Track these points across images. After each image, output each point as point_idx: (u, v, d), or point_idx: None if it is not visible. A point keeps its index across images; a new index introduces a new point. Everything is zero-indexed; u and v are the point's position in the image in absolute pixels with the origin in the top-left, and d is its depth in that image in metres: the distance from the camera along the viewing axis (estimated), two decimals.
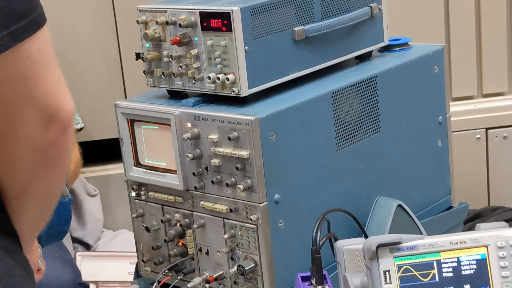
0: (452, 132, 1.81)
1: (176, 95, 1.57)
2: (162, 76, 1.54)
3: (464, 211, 1.81)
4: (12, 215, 1.10)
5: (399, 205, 1.59)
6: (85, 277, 2.34)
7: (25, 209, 1.11)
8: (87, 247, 2.61)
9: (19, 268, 1.08)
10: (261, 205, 1.44)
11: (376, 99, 1.62)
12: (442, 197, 1.81)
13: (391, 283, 0.99)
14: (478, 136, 2.71)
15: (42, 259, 1.27)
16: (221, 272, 1.53)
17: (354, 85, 1.58)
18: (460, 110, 2.68)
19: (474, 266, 1.00)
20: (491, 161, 2.72)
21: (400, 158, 1.69)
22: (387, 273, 0.99)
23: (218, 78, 1.46)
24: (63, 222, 1.35)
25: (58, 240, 1.39)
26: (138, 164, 1.59)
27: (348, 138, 1.58)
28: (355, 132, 1.59)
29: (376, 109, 1.63)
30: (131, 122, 1.57)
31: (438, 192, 1.79)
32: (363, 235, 1.48)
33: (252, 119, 1.41)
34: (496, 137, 2.71)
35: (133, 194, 1.62)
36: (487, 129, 2.71)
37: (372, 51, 1.72)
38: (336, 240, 1.32)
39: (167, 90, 1.58)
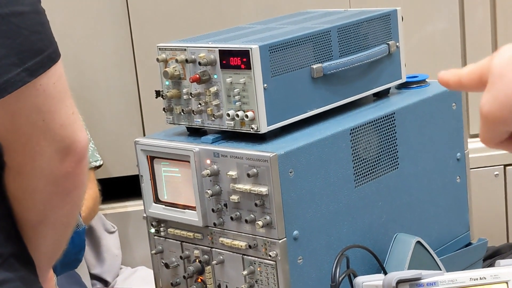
0: (470, 168, 1.81)
1: (195, 132, 1.59)
2: (182, 113, 1.56)
3: (483, 248, 1.81)
4: (29, 245, 1.12)
5: (418, 242, 1.59)
6: None
7: (42, 239, 1.13)
8: (105, 284, 2.61)
9: None
10: (280, 241, 1.45)
11: (394, 136, 1.63)
12: (461, 234, 1.80)
13: None
14: (496, 173, 2.71)
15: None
16: None
17: (372, 122, 1.59)
18: (477, 147, 2.68)
19: None
20: (509, 197, 2.71)
21: (419, 194, 1.70)
22: None
23: (237, 115, 1.48)
24: (77, 250, 1.37)
25: (72, 268, 1.41)
26: (157, 200, 1.61)
27: (366, 175, 1.58)
28: (373, 168, 1.60)
29: (394, 146, 1.64)
30: (151, 159, 1.59)
31: (457, 228, 1.79)
32: (382, 272, 1.48)
33: (271, 155, 1.42)
34: None
35: (153, 230, 1.63)
36: (505, 165, 2.71)
37: (389, 88, 1.73)
38: (355, 276, 1.32)
39: (187, 127, 1.60)
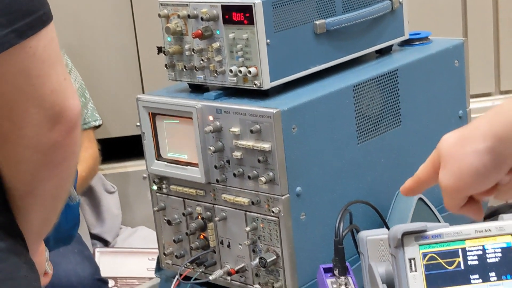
0: None
1: (197, 89, 1.59)
2: (184, 69, 1.55)
3: (483, 205, 1.81)
4: (17, 217, 1.08)
5: (420, 198, 1.60)
6: (103, 273, 2.35)
7: (30, 211, 1.08)
8: (106, 243, 2.63)
9: (24, 269, 1.06)
10: (283, 197, 1.45)
11: (397, 93, 1.63)
12: None
13: (416, 271, 1.00)
14: None
15: (49, 263, 1.25)
16: (243, 264, 1.53)
17: (375, 78, 1.58)
18: (477, 107, 2.68)
19: (499, 254, 1.00)
20: None
21: (421, 151, 1.69)
22: (412, 261, 1.00)
23: (240, 71, 1.47)
24: (71, 226, 1.33)
25: (66, 244, 1.38)
26: (159, 157, 1.60)
27: (369, 132, 1.58)
28: (376, 125, 1.60)
29: (397, 103, 1.63)
30: (153, 116, 1.59)
31: None
32: (385, 227, 1.49)
33: (274, 111, 1.42)
34: None
35: (155, 187, 1.63)
36: None
37: (392, 45, 1.72)
38: (358, 231, 1.33)
39: (189, 84, 1.60)
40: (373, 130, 1.59)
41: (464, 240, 1.01)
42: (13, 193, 1.06)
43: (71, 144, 1.03)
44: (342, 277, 1.29)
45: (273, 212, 1.46)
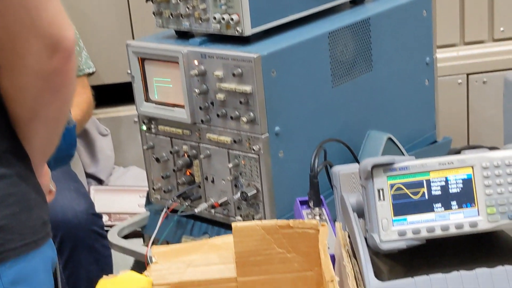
0: None
1: (183, 35, 1.56)
2: (170, 17, 1.53)
3: (447, 145, 1.82)
4: (23, 142, 1.10)
5: (389, 138, 1.60)
6: (98, 209, 2.34)
7: (34, 134, 1.10)
8: (100, 182, 2.62)
9: (33, 192, 1.08)
10: (263, 136, 1.44)
11: (369, 40, 1.61)
12: (428, 132, 1.81)
13: (384, 200, 1.00)
14: (459, 81, 2.70)
15: (52, 182, 1.27)
16: (226, 198, 1.53)
17: (348, 26, 1.57)
18: (443, 57, 2.67)
19: (461, 185, 1.00)
20: (471, 104, 2.72)
21: (391, 95, 1.69)
22: (380, 191, 1.00)
23: (223, 19, 1.45)
24: (69, 146, 1.35)
25: (65, 164, 1.39)
26: (148, 99, 1.59)
27: (343, 76, 1.57)
28: (350, 70, 1.59)
29: (369, 49, 1.62)
30: (142, 61, 1.56)
31: (424, 127, 1.80)
32: (357, 163, 1.49)
33: (255, 56, 1.40)
34: (476, 82, 2.71)
35: (144, 127, 1.62)
36: (468, 74, 2.70)
37: None
38: (331, 167, 1.33)
39: (175, 31, 1.57)
40: (347, 74, 1.58)
41: (429, 172, 1.01)
42: (18, 120, 1.08)
43: (69, 71, 1.05)
44: (317, 209, 1.29)
45: (253, 150, 1.45)
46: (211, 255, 1.14)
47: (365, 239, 1.03)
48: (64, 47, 1.02)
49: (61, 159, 1.38)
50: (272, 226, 1.10)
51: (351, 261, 1.06)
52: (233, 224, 1.10)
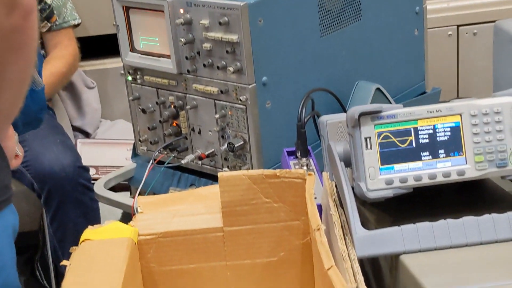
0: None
1: None
2: None
3: (436, 96, 1.81)
4: None
5: (378, 88, 1.58)
6: (85, 162, 2.33)
7: None
8: (87, 135, 2.60)
9: None
10: (250, 86, 1.43)
11: None
12: (417, 83, 1.80)
13: (371, 149, 0.99)
14: (450, 32, 2.68)
15: (19, 145, 1.24)
16: (213, 149, 1.52)
17: None
18: (433, 8, 2.65)
19: (449, 133, 0.99)
20: (461, 55, 2.70)
21: (380, 45, 1.67)
22: (368, 139, 0.99)
23: None
24: (37, 109, 1.31)
25: (35, 128, 1.36)
26: (133, 49, 1.57)
27: (331, 25, 1.55)
28: (338, 19, 1.56)
29: None
30: (126, 10, 1.54)
31: (413, 77, 1.79)
32: (345, 113, 1.48)
33: (242, 4, 1.38)
34: (466, 33, 2.69)
35: (130, 78, 1.60)
36: (458, 26, 2.68)
37: None
38: (319, 117, 1.32)
39: None
40: (335, 24, 1.56)
41: (416, 120, 1.00)
42: None
43: (30, 28, 1.01)
44: (304, 159, 1.28)
45: (240, 100, 1.44)
46: (197, 205, 1.13)
47: (352, 188, 1.02)
48: (22, 3, 0.98)
49: (30, 123, 1.35)
50: (259, 176, 1.09)
51: (338, 210, 1.05)
52: (219, 174, 1.09)
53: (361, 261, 1.23)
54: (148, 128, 1.59)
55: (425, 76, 1.81)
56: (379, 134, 0.99)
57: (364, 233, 0.98)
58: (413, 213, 1.03)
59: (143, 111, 1.59)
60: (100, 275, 0.95)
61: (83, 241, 1.03)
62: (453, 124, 1.00)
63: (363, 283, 0.88)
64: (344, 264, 0.92)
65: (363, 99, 1.56)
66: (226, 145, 1.48)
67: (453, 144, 1.00)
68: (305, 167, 1.28)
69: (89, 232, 1.05)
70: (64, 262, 0.97)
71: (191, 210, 1.12)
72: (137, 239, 1.07)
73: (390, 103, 1.60)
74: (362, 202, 1.08)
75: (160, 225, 1.10)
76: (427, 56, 1.80)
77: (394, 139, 1.00)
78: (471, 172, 1.00)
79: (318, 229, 0.95)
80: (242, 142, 1.47)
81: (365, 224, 1.10)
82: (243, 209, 1.10)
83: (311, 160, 1.30)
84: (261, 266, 1.11)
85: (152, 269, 1.09)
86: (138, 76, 1.58)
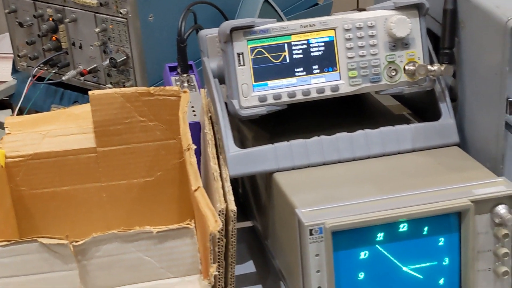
0: None
1: None
2: None
3: (328, 8, 1.79)
4: None
5: (266, 1, 1.55)
6: None
7: None
8: None
9: None
10: None
11: None
12: None
13: (244, 65, 0.96)
14: None
15: None
16: (95, 65, 1.47)
17: None
18: None
19: (322, 48, 0.97)
20: None
21: None
22: (240, 55, 0.96)
23: None
24: None
25: None
26: None
27: None
28: None
29: None
30: None
31: None
32: None
33: None
34: None
35: None
36: None
37: None
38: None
39: None
40: None
41: (290, 35, 0.98)
42: None
43: None
44: (185, 75, 1.25)
45: (121, 13, 1.38)
46: (70, 125, 1.09)
47: (226, 105, 1.00)
48: None
49: None
50: (132, 94, 1.06)
51: (213, 128, 1.03)
52: (90, 92, 1.05)
53: (241, 180, 1.23)
54: (27, 42, 1.52)
55: None
56: (252, 49, 0.97)
57: (237, 152, 0.97)
58: (291, 130, 1.02)
59: (20, 24, 1.51)
60: None
61: None
62: (327, 39, 0.98)
63: (233, 203, 0.87)
64: (215, 184, 0.91)
65: (251, 12, 1.52)
66: (108, 61, 1.43)
67: (327, 60, 0.98)
68: (186, 84, 1.25)
69: None
70: None
71: (62, 130, 1.08)
72: (4, 162, 1.03)
73: (280, 16, 1.57)
74: (242, 120, 1.07)
75: (30, 146, 1.05)
76: None
77: (267, 55, 0.97)
78: (345, 88, 0.99)
79: (188, 149, 0.93)
80: (125, 57, 1.42)
81: (244, 142, 1.09)
82: (117, 128, 1.06)
83: (193, 76, 1.27)
84: (137, 187, 1.09)
85: (23, 192, 1.05)
86: None
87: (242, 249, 1.20)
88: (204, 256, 0.84)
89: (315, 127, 1.01)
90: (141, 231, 0.80)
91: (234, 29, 0.96)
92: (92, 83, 1.49)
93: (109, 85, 1.46)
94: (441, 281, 0.88)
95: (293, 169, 0.97)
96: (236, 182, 1.25)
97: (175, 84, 1.26)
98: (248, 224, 1.23)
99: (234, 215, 0.86)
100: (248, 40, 0.97)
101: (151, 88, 1.05)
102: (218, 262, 0.84)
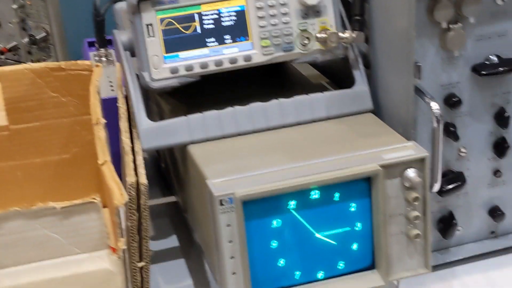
0: None
1: None
2: None
3: None
4: None
5: None
6: None
7: None
8: None
9: None
10: None
11: None
12: None
13: (154, 36, 0.95)
14: None
15: None
16: (15, 43, 1.44)
17: None
18: None
19: (234, 18, 0.96)
20: None
21: None
22: (149, 26, 0.95)
23: None
24: None
25: None
26: None
27: None
28: None
29: None
30: None
31: None
32: None
33: None
34: None
35: None
36: None
37: None
38: None
39: None
40: None
41: (200, 4, 0.96)
42: None
43: None
44: (102, 49, 1.23)
45: None
46: None
47: (139, 78, 0.99)
48: None
49: None
50: (43, 70, 1.04)
51: (127, 102, 1.02)
52: None
53: (163, 155, 1.22)
54: None
55: None
56: (162, 20, 0.96)
57: (150, 125, 0.96)
58: (210, 103, 1.01)
59: None
60: None
61: None
62: (238, 8, 0.97)
63: (144, 176, 0.86)
64: (126, 157, 0.89)
65: None
66: (27, 38, 1.40)
67: (239, 29, 0.97)
68: (104, 59, 1.23)
69: None
70: None
71: None
72: None
73: None
74: (160, 93, 1.06)
75: None
76: None
77: (177, 26, 0.96)
78: (258, 57, 0.98)
79: (97, 123, 0.92)
80: (45, 34, 1.39)
81: (162, 115, 1.08)
82: (28, 105, 1.04)
83: (111, 51, 1.25)
84: (53, 164, 1.07)
85: None
86: None
87: (166, 224, 1.19)
88: (114, 230, 0.83)
89: (233, 99, 1.01)
90: (45, 207, 0.79)
91: (142, 0, 0.94)
92: (13, 61, 1.46)
93: (30, 63, 1.43)
94: (355, 246, 0.89)
95: (207, 140, 0.97)
96: (158, 156, 1.24)
97: (93, 59, 1.23)
98: (172, 199, 1.22)
99: (145, 189, 0.85)
100: (157, 11, 0.95)
101: (63, 62, 1.04)
102: (132, 236, 0.84)
